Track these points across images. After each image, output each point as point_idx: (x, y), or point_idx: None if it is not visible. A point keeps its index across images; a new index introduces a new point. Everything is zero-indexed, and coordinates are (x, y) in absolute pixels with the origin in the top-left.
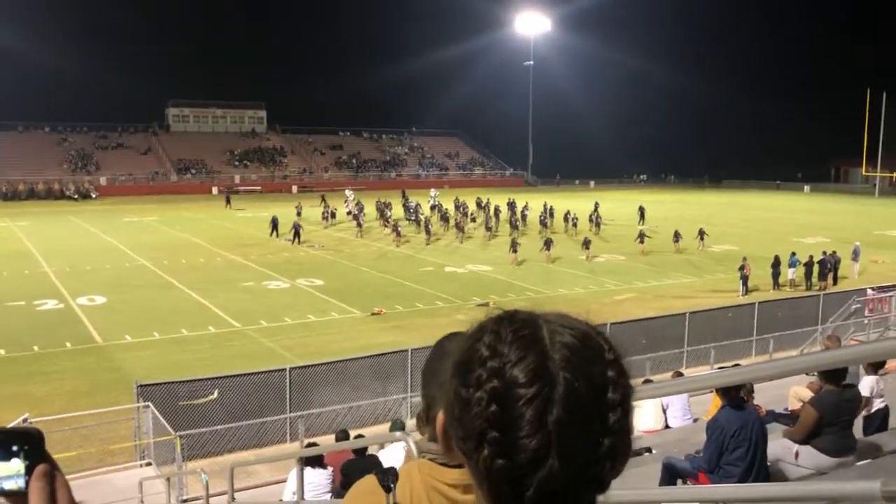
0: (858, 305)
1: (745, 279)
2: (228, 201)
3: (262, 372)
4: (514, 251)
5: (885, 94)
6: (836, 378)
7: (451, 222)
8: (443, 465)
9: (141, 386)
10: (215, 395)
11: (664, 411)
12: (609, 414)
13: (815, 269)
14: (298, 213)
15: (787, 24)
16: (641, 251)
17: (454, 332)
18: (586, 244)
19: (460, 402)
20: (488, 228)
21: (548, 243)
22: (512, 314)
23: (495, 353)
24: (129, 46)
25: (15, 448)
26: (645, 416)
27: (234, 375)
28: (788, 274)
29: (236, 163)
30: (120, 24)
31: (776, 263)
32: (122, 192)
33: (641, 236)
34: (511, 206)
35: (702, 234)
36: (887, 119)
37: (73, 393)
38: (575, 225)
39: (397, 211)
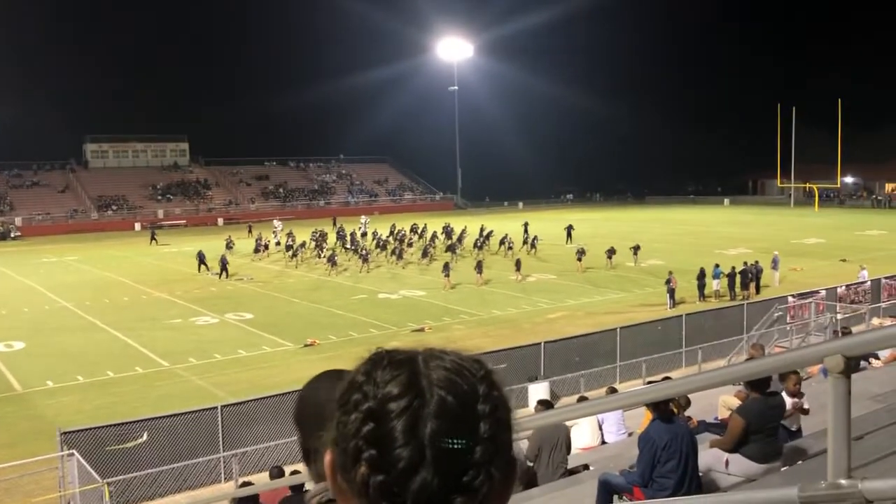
0: (780, 313)
1: (671, 292)
2: (154, 237)
3: (193, 411)
4: (447, 275)
5: (794, 109)
6: (760, 386)
7: (389, 249)
8: None
9: (64, 433)
10: (145, 437)
11: (600, 427)
12: (480, 423)
13: (738, 279)
14: (229, 247)
15: (699, 44)
16: (580, 268)
17: (323, 375)
18: (517, 265)
19: (340, 430)
20: (425, 254)
21: (479, 266)
22: (391, 348)
23: (370, 378)
24: (43, 81)
25: None
26: (582, 434)
27: (164, 416)
28: (713, 285)
29: (159, 197)
30: (30, 58)
31: (701, 275)
32: (39, 233)
33: (580, 253)
34: (447, 230)
35: (636, 249)
36: (798, 132)
37: None
38: (510, 248)
39: (332, 240)
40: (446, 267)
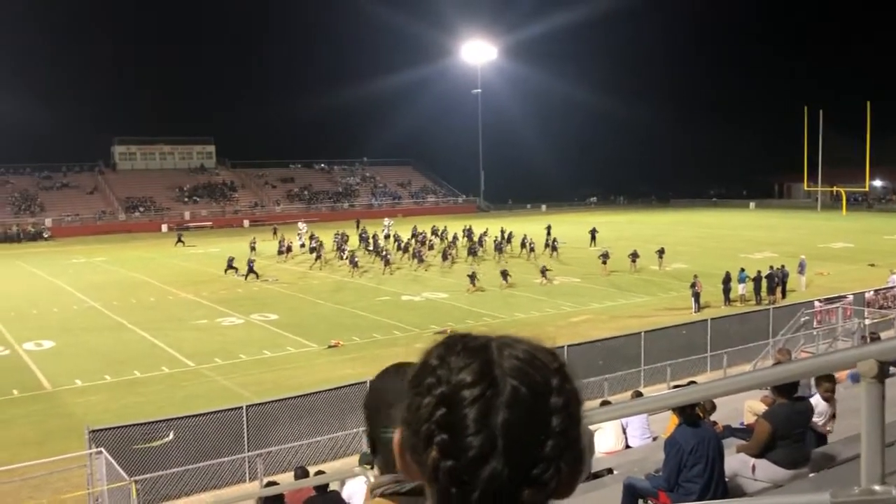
0: (807, 317)
1: (696, 296)
2: (180, 239)
3: (218, 411)
4: (473, 284)
5: (821, 111)
6: (787, 391)
7: (410, 251)
8: (397, 500)
9: (93, 431)
10: (171, 436)
11: (624, 431)
12: (552, 417)
13: (764, 283)
14: (253, 248)
15: (726, 46)
16: (604, 271)
17: (391, 368)
18: (543, 272)
19: (412, 411)
20: (445, 257)
21: (504, 274)
22: (465, 332)
23: (444, 362)
24: (72, 85)
25: None
26: (605, 438)
27: (190, 416)
28: (739, 289)
29: (186, 199)
30: (62, 60)
31: (726, 280)
32: (68, 233)
33: (604, 256)
34: (468, 233)
35: (661, 252)
36: (826, 135)
37: (22, 442)
38: (532, 250)
39: (353, 241)
40: (473, 276)
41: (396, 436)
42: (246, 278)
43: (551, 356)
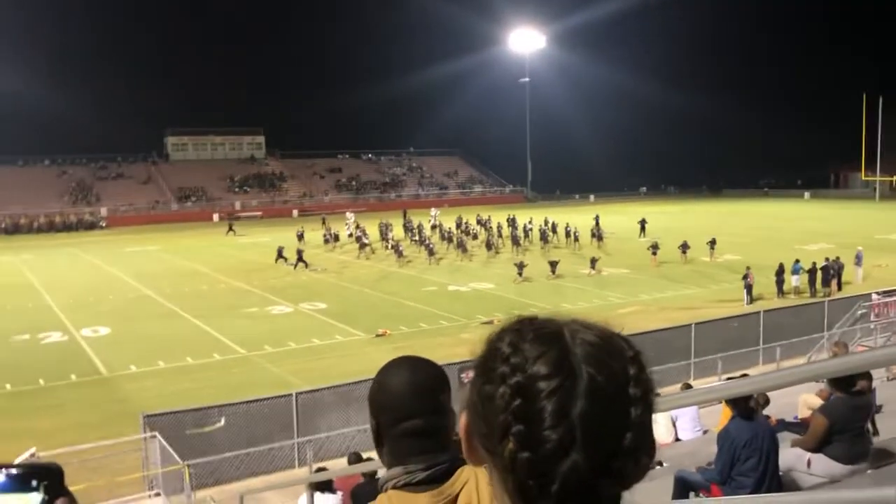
0: (864, 310)
1: (749, 288)
2: (231, 228)
3: (269, 398)
4: (520, 274)
5: (881, 99)
6: (845, 385)
7: (454, 241)
8: (410, 491)
9: (147, 416)
10: (222, 422)
11: (674, 424)
12: (631, 408)
13: (819, 275)
14: (300, 238)
15: (780, 32)
16: (654, 262)
17: (395, 362)
18: (593, 263)
19: (484, 400)
20: (489, 247)
21: (553, 265)
22: (532, 317)
23: (517, 350)
24: (127, 77)
25: (35, 483)
26: (655, 430)
27: (241, 402)
28: (792, 281)
29: (236, 189)
30: (115, 55)
31: (780, 271)
32: (123, 223)
33: (654, 247)
34: (512, 222)
35: (713, 243)
36: (885, 123)
37: (80, 425)
38: (577, 239)
39: (398, 231)
40: (521, 265)
41: (462, 420)
42: (295, 267)
43: (626, 343)
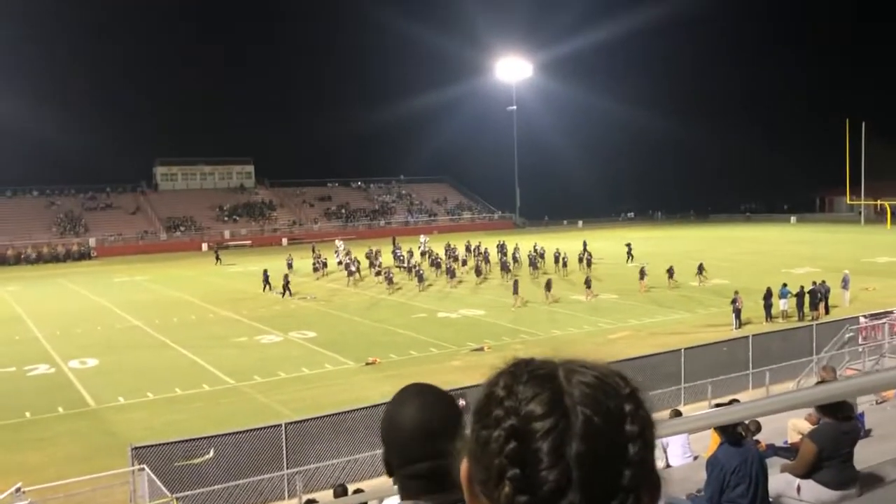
0: (852, 334)
1: (737, 312)
2: (218, 258)
3: (258, 428)
4: (516, 292)
5: (864, 124)
6: (834, 411)
7: (443, 267)
8: None
9: (135, 448)
10: (211, 454)
11: (664, 451)
12: (628, 445)
13: (807, 299)
14: (290, 266)
15: (764, 61)
16: (642, 287)
17: (407, 391)
18: (588, 284)
19: (480, 444)
20: (478, 273)
21: (548, 284)
22: (528, 359)
23: (511, 393)
24: (115, 107)
25: None
26: None
27: (230, 433)
28: (780, 305)
29: (226, 218)
30: (104, 84)
31: (768, 295)
32: (111, 253)
33: (642, 272)
34: (501, 248)
35: (701, 268)
36: (868, 148)
37: (67, 459)
38: (565, 265)
39: (387, 259)
40: (516, 285)
41: (463, 468)
42: (283, 295)
43: (622, 381)
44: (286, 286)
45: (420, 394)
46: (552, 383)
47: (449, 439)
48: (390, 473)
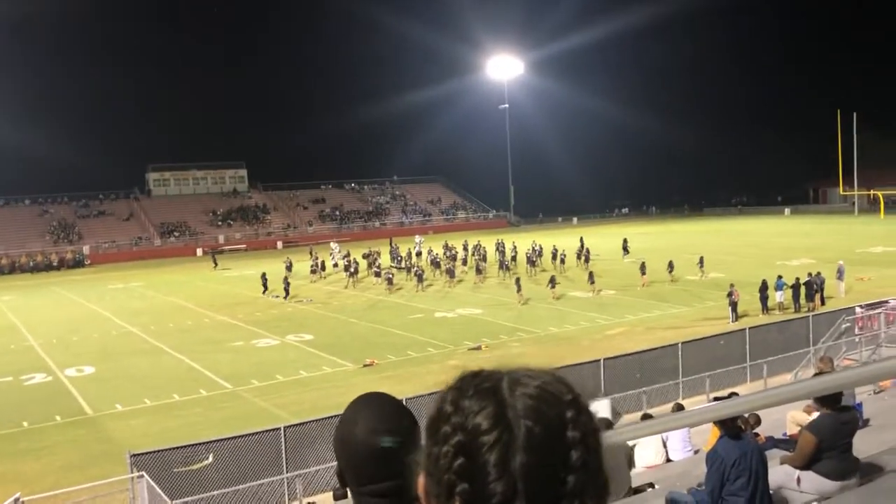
0: (848, 324)
1: (734, 305)
2: (215, 262)
3: (257, 433)
4: (519, 290)
5: (855, 115)
6: (832, 402)
7: (442, 267)
8: None
9: (134, 455)
10: (210, 459)
11: (664, 445)
12: (571, 452)
13: (803, 290)
14: (288, 268)
15: (755, 55)
16: (644, 282)
17: (356, 406)
18: (591, 279)
19: (432, 460)
20: (479, 272)
21: (552, 281)
22: (476, 371)
23: (458, 408)
24: (107, 114)
25: None
26: (645, 452)
27: (229, 438)
28: (776, 297)
29: (220, 223)
30: (96, 91)
31: (763, 288)
32: (106, 260)
33: (643, 267)
34: (499, 247)
35: (702, 262)
36: (860, 138)
37: (66, 467)
38: (563, 262)
39: (385, 260)
40: (518, 283)
41: (420, 482)
42: (285, 298)
43: (565, 388)
44: (286, 289)
45: (369, 407)
46: (496, 396)
47: (404, 454)
48: (343, 485)
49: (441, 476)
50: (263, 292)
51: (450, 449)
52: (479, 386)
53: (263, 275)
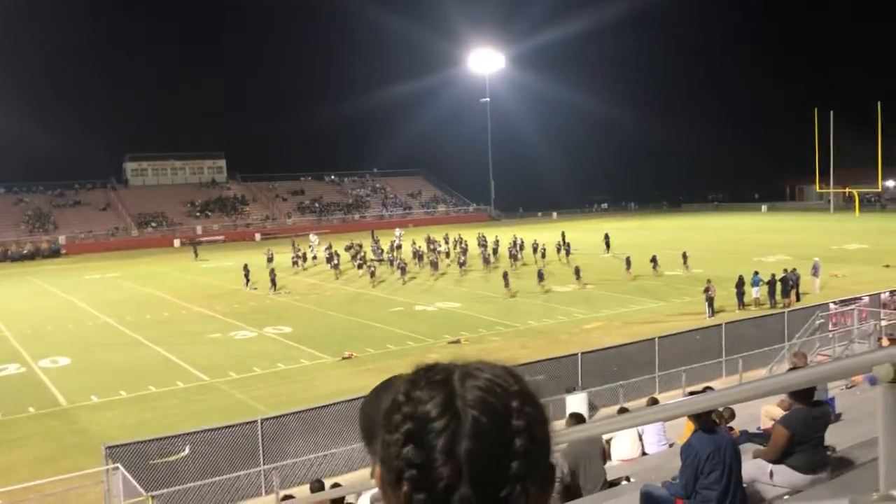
0: (822, 320)
1: (710, 301)
2: (196, 253)
3: (234, 425)
4: (507, 284)
5: (832, 113)
6: (804, 396)
7: (425, 259)
8: None
9: (109, 447)
10: (187, 451)
11: (640, 438)
12: (515, 439)
13: (778, 286)
14: (269, 260)
15: (732, 51)
16: (629, 276)
17: (387, 382)
18: (577, 273)
19: (384, 447)
20: (461, 265)
21: (540, 275)
22: (430, 365)
23: (409, 399)
24: (83, 102)
25: None
26: (621, 445)
27: (205, 430)
28: (752, 293)
29: (198, 214)
30: (72, 79)
31: (740, 283)
32: (82, 250)
33: (628, 262)
34: (481, 241)
35: (685, 257)
36: (837, 136)
37: (39, 459)
38: (543, 256)
39: (367, 253)
40: (506, 277)
41: (377, 471)
42: (273, 289)
43: (512, 379)
44: (273, 280)
45: (387, 387)
46: (446, 387)
47: None
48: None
49: (391, 463)
50: (246, 284)
51: (400, 437)
52: (431, 378)
53: (245, 266)
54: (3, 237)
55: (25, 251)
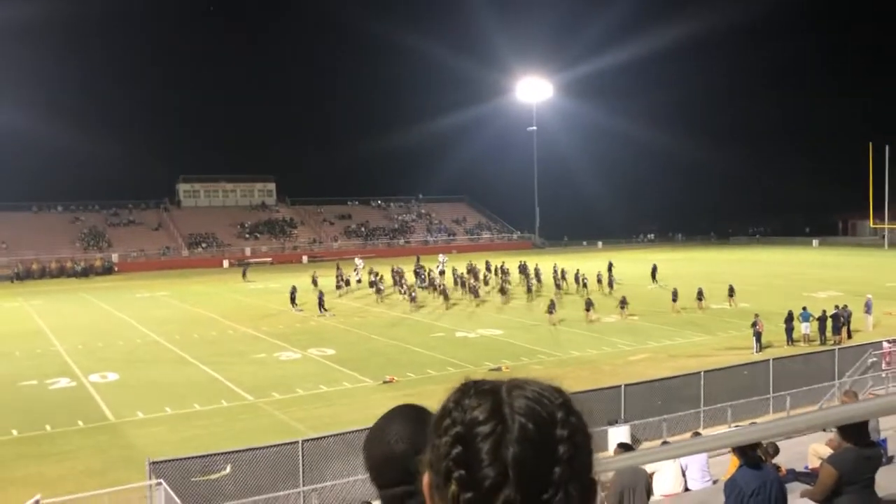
0: (875, 359)
1: (758, 336)
2: (244, 274)
3: (275, 445)
4: (551, 312)
5: (887, 147)
6: (855, 435)
7: (467, 286)
8: None
9: (153, 463)
10: (228, 469)
11: (683, 474)
12: (559, 447)
13: (829, 323)
14: (314, 283)
15: (787, 83)
16: (674, 308)
17: (384, 422)
18: (623, 303)
19: (433, 452)
20: (503, 292)
21: (588, 304)
22: (479, 379)
23: (459, 405)
24: (139, 126)
25: None
26: (664, 480)
27: (247, 449)
28: (802, 329)
29: (247, 235)
30: (129, 102)
31: (789, 319)
32: (134, 269)
33: (675, 294)
34: (523, 268)
35: (731, 290)
36: (892, 171)
37: (86, 472)
38: (585, 286)
39: (410, 278)
40: (552, 305)
41: (425, 478)
42: (322, 311)
43: (557, 392)
44: (321, 302)
45: (392, 421)
46: (495, 396)
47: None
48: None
49: (440, 464)
50: (292, 305)
51: (449, 439)
52: (479, 388)
53: (293, 288)
54: (60, 254)
55: (80, 268)
